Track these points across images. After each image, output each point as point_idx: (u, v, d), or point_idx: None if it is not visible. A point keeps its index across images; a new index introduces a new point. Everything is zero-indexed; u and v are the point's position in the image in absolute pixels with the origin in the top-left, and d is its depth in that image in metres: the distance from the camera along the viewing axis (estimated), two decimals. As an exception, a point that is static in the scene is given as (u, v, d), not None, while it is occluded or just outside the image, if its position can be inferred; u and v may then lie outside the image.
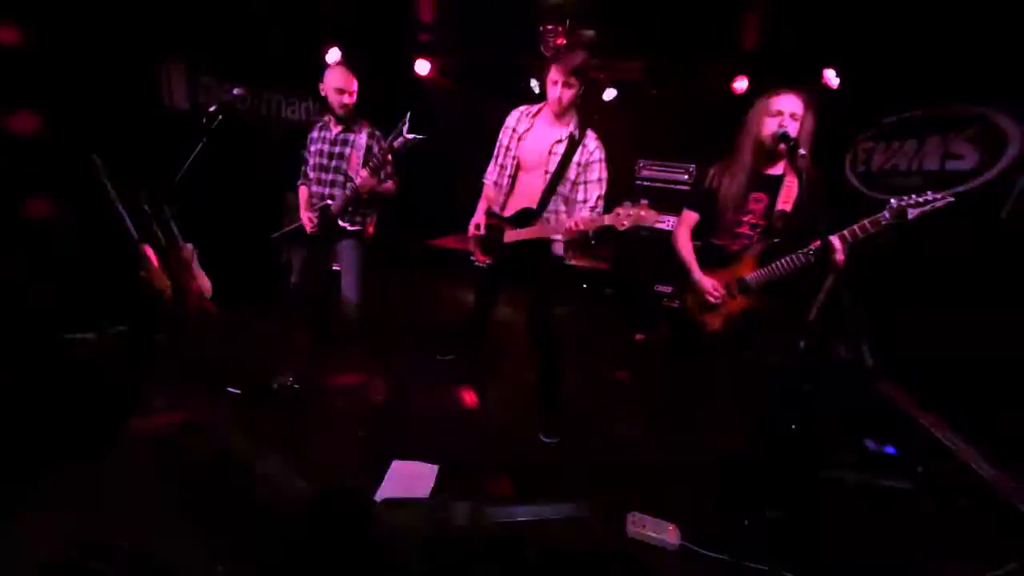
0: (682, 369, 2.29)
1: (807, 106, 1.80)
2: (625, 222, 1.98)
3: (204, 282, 3.44)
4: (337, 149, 2.37)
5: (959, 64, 3.20)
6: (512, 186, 2.31)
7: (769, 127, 1.81)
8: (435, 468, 2.09)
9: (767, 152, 1.86)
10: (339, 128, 2.38)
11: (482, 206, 2.42)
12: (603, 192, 2.19)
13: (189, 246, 3.38)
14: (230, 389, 2.54)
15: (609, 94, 5.74)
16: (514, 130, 2.27)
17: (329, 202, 2.36)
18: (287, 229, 2.52)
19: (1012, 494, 2.20)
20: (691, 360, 2.26)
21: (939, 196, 1.58)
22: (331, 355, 2.91)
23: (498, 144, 2.35)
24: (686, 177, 4.74)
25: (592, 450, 2.39)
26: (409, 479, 2.04)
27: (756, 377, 2.06)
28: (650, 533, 1.85)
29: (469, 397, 2.74)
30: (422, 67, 5.53)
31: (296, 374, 2.66)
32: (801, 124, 1.79)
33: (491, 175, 2.40)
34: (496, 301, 2.64)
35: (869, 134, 3.81)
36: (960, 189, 3.00)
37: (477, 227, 2.37)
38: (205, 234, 3.45)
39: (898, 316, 3.13)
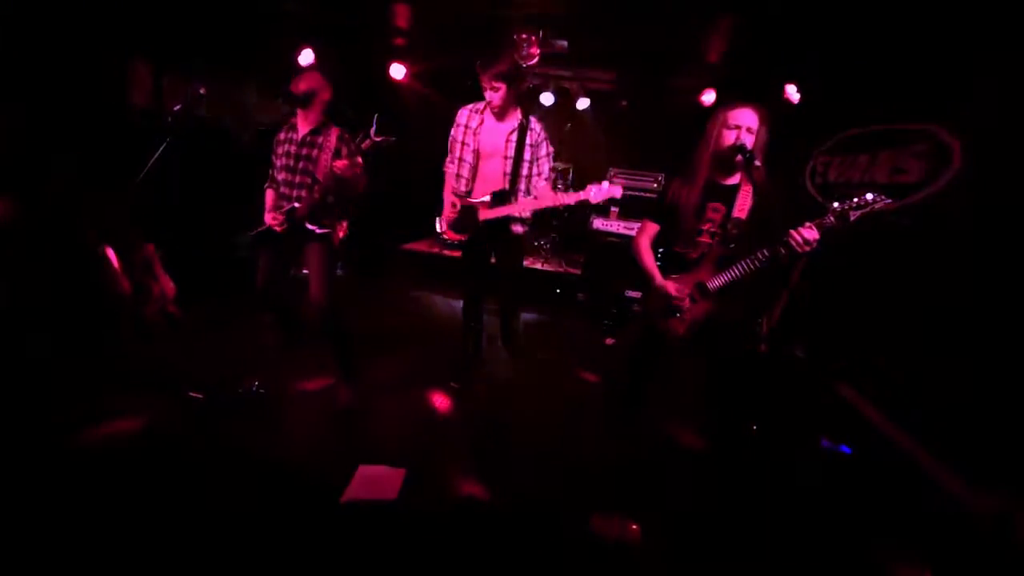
0: (649, 373, 2.33)
1: (762, 120, 1.88)
2: (600, 197, 2.39)
3: (167, 284, 3.36)
4: (304, 151, 2.36)
5: (911, 83, 3.38)
6: (474, 174, 2.69)
7: (727, 139, 1.89)
8: (402, 472, 2.09)
9: (724, 163, 1.93)
10: (307, 130, 2.37)
11: (448, 191, 2.78)
12: (552, 164, 2.73)
13: (152, 247, 3.31)
14: (192, 395, 2.48)
15: (582, 103, 5.87)
16: (467, 126, 2.66)
17: (296, 204, 2.34)
18: (253, 232, 2.48)
19: (958, 492, 2.32)
20: (657, 365, 2.32)
21: (878, 199, 1.67)
22: (299, 359, 2.88)
23: (452, 140, 2.72)
24: (655, 186, 4.88)
25: (560, 449, 2.43)
26: (376, 483, 2.03)
27: (719, 379, 2.12)
28: (613, 532, 1.89)
29: (440, 401, 2.75)
30: (397, 71, 5.53)
31: (262, 379, 2.62)
32: (756, 137, 1.88)
33: (451, 167, 2.75)
34: (484, 287, 2.92)
35: (826, 148, 3.98)
36: (909, 201, 3.17)
37: (453, 206, 2.70)
38: (169, 235, 3.38)
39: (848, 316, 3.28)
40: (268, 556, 1.65)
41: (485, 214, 2.60)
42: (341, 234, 2.44)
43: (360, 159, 2.32)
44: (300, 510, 1.86)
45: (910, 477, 2.47)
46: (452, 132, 2.70)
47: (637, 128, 5.68)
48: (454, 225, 2.70)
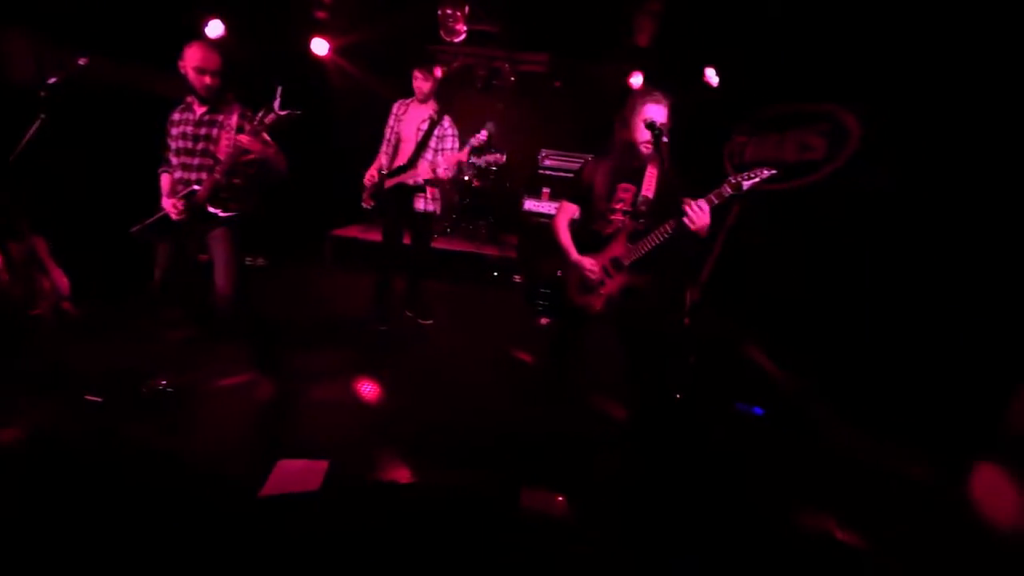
0: (572, 348, 2.38)
1: (670, 111, 1.98)
2: (480, 160, 3.36)
3: (60, 280, 3.06)
4: (203, 131, 2.18)
5: (818, 67, 3.60)
6: (395, 154, 3.26)
7: (640, 125, 1.95)
8: (325, 464, 2.02)
9: (635, 148, 2.00)
10: (204, 109, 2.19)
11: (372, 168, 3.31)
12: (455, 159, 3.13)
13: (40, 240, 2.98)
14: (89, 398, 2.28)
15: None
16: (395, 115, 3.28)
17: (196, 187, 2.17)
18: (149, 220, 2.27)
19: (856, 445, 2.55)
20: (579, 340, 2.36)
21: (765, 170, 1.79)
22: (214, 354, 2.71)
23: (386, 127, 3.32)
24: (586, 167, 4.92)
25: (491, 429, 2.44)
26: (297, 476, 1.95)
27: (637, 351, 2.19)
28: (540, 505, 1.92)
29: (367, 388, 2.68)
30: (319, 47, 5.23)
31: (171, 377, 2.44)
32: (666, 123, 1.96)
33: (383, 148, 3.34)
34: (401, 234, 3.42)
35: (743, 129, 4.19)
36: (814, 177, 3.40)
37: (372, 178, 3.27)
38: (60, 226, 3.06)
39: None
40: (171, 557, 1.55)
41: (389, 182, 3.21)
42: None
43: (267, 136, 2.18)
44: (211, 509, 1.75)
45: (813, 432, 2.68)
46: (388, 120, 3.30)
47: (569, 110, 5.72)
48: (370, 192, 3.30)
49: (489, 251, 5.14)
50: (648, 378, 2.19)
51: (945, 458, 2.28)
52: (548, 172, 4.95)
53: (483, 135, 3.07)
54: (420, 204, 3.23)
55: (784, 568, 1.82)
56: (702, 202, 1.80)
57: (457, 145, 3.17)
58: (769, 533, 1.96)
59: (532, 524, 1.86)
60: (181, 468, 1.94)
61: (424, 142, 3.12)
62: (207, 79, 2.13)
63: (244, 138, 2.07)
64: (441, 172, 3.02)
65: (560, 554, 1.73)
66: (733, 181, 1.80)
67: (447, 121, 3.16)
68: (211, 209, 2.18)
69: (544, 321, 4.08)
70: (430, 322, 3.63)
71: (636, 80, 5.23)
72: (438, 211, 3.34)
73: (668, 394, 2.79)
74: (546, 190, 4.79)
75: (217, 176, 2.12)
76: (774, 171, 1.81)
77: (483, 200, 5.33)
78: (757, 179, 1.79)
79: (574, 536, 1.82)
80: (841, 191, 3.19)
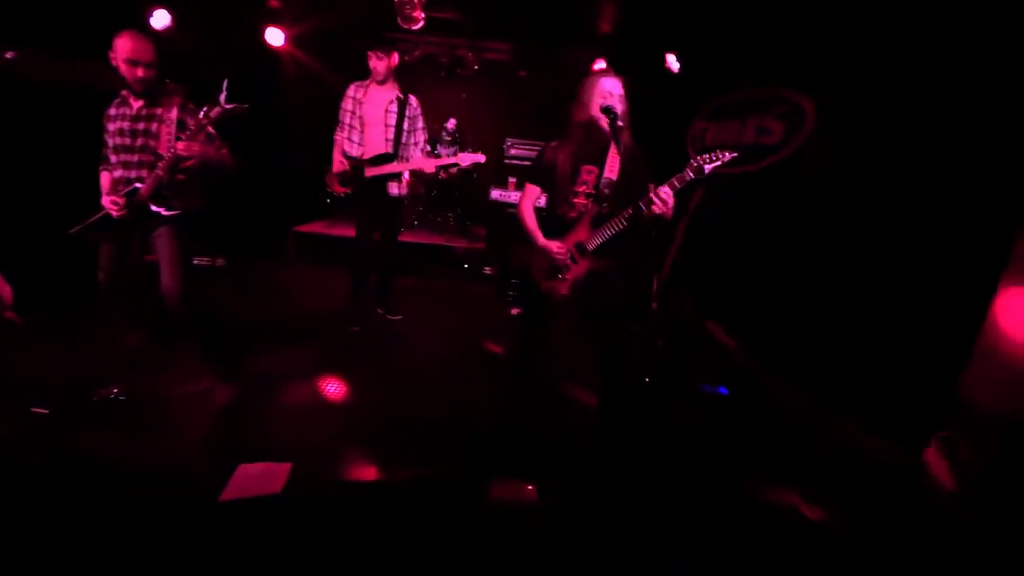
0: (541, 335, 2.37)
1: (625, 88, 1.98)
2: (466, 162, 3.04)
3: (2, 289, 2.89)
4: (141, 126, 2.07)
5: (776, 51, 3.65)
6: (363, 139, 3.12)
7: (596, 104, 1.94)
8: (288, 466, 1.97)
9: (595, 128, 1.98)
10: (141, 103, 2.08)
11: (338, 154, 3.17)
12: (427, 136, 3.23)
13: (-25, 246, 2.81)
14: (35, 410, 2.16)
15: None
16: (354, 98, 3.11)
17: (138, 185, 2.06)
18: (89, 220, 2.15)
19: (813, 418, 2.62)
20: (547, 327, 2.36)
21: (726, 152, 1.82)
22: (170, 358, 2.61)
23: (342, 111, 3.16)
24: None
25: (461, 421, 2.42)
26: (258, 480, 1.90)
27: (603, 336, 2.19)
28: (509, 495, 1.92)
29: (331, 387, 2.62)
30: (274, 37, 5.05)
31: (123, 384, 2.34)
32: (622, 103, 1.96)
33: (341, 135, 3.18)
34: (374, 230, 3.29)
35: (703, 115, 4.23)
36: (773, 159, 3.46)
37: (342, 163, 3.12)
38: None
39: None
40: (129, 569, 1.49)
41: (370, 172, 3.05)
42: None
43: (212, 130, 2.08)
44: (168, 518, 1.69)
45: (774, 409, 2.75)
46: (342, 104, 3.14)
47: (534, 98, 5.67)
48: (341, 179, 3.13)
49: (458, 243, 5.09)
50: (614, 362, 2.20)
51: (905, 431, 2.36)
52: (514, 162, 4.92)
53: (451, 124, 3.15)
54: (394, 190, 3.14)
55: (753, 544, 1.86)
56: (666, 187, 1.81)
57: (425, 124, 3.18)
58: (737, 511, 2.00)
59: (502, 515, 1.85)
60: (136, 478, 1.86)
61: (399, 125, 3.03)
62: (139, 71, 2.01)
63: (181, 145, 1.97)
64: (424, 163, 3.08)
65: (529, 543, 1.73)
66: (695, 164, 1.82)
67: (415, 101, 3.09)
68: (154, 207, 2.08)
69: (515, 311, 4.08)
70: (399, 317, 3.57)
71: (599, 67, 5.22)
72: (405, 197, 3.29)
73: (637, 378, 2.83)
74: (512, 179, 4.76)
75: (159, 173, 2.02)
76: (735, 153, 1.83)
77: (450, 192, 5.26)
78: (719, 162, 1.81)
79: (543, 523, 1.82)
80: (797, 173, 3.26)
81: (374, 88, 3.08)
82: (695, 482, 2.12)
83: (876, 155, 2.75)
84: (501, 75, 5.81)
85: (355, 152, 3.11)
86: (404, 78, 3.19)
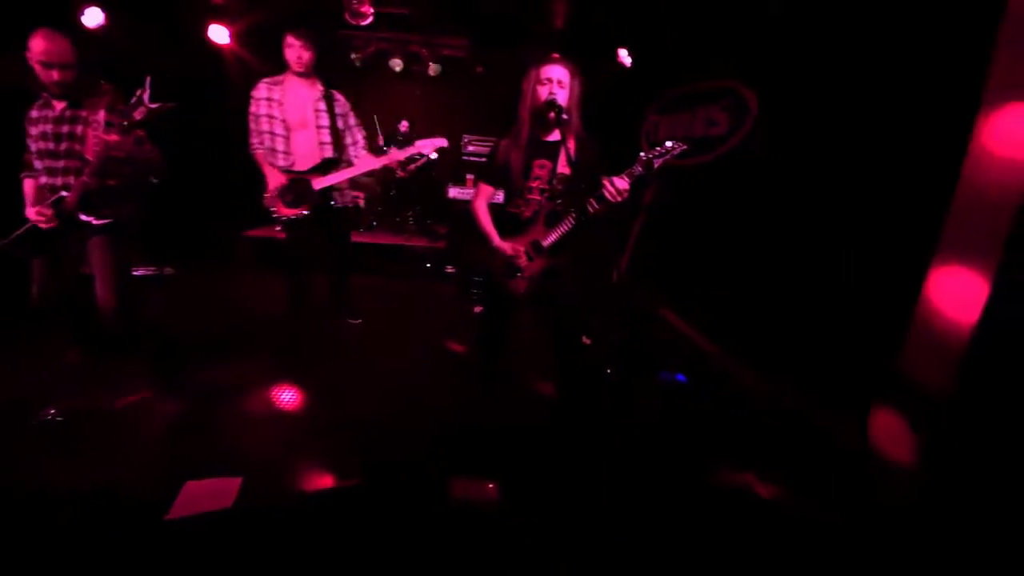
0: (501, 334, 2.36)
1: (573, 75, 1.93)
2: (429, 148, 2.63)
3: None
4: (65, 129, 1.95)
5: (722, 44, 3.73)
6: (289, 147, 2.65)
7: (541, 95, 1.92)
8: (238, 480, 1.89)
9: (543, 119, 1.96)
10: (64, 104, 1.96)
11: (269, 169, 2.67)
12: (365, 134, 2.85)
13: None
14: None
15: (433, 69, 5.67)
16: (269, 99, 2.61)
17: (64, 193, 1.94)
18: (15, 234, 2.01)
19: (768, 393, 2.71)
20: (508, 325, 2.35)
21: (676, 146, 1.81)
22: (111, 374, 2.47)
23: (252, 116, 2.65)
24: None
25: (423, 421, 2.39)
26: (207, 496, 1.82)
27: (562, 333, 2.20)
28: (471, 494, 1.90)
29: (286, 396, 2.54)
30: (219, 34, 4.85)
31: (61, 404, 2.20)
32: (569, 91, 1.92)
33: (258, 144, 2.67)
34: (311, 264, 2.93)
35: (655, 108, 4.30)
36: (721, 150, 3.55)
37: (279, 180, 2.63)
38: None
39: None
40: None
41: (320, 183, 2.61)
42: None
43: (142, 132, 1.97)
44: (113, 541, 1.60)
45: (731, 392, 2.83)
46: (251, 109, 2.62)
47: (492, 95, 5.64)
48: (289, 201, 2.64)
49: (418, 242, 5.02)
50: (572, 357, 2.21)
51: (854, 406, 2.46)
52: (472, 159, 4.89)
53: (404, 125, 2.94)
54: (338, 200, 2.80)
55: (709, 522, 1.91)
56: (618, 181, 1.80)
57: (359, 120, 2.82)
58: (694, 492, 2.05)
59: (463, 514, 1.84)
60: (72, 503, 1.76)
61: (334, 125, 2.65)
62: (55, 74, 1.89)
63: (113, 137, 1.85)
64: (381, 161, 2.68)
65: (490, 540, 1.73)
66: (644, 159, 1.81)
67: (341, 97, 2.75)
68: (83, 216, 1.96)
69: (478, 309, 4.07)
70: (359, 321, 3.46)
71: (542, 55, 5.21)
72: (361, 201, 3.12)
73: (597, 370, 2.85)
74: (470, 177, 4.73)
75: (85, 179, 1.90)
76: (684, 147, 1.82)
77: (409, 190, 5.18)
78: (668, 156, 1.81)
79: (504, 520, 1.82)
80: (741, 163, 3.36)
81: (294, 84, 2.63)
82: (654, 468, 2.16)
83: (818, 143, 2.85)
84: (457, 71, 5.75)
85: (282, 163, 2.66)
86: (357, 77, 3.01)
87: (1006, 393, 1.90)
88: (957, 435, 1.95)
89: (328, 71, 2.95)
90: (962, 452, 1.94)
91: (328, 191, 2.67)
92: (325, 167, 2.65)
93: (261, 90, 2.62)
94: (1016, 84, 1.95)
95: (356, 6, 3.69)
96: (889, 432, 2.31)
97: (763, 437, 2.48)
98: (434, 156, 2.68)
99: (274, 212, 2.66)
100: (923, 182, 2.36)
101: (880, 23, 2.58)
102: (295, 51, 2.54)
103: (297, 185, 2.60)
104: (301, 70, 2.57)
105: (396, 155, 2.63)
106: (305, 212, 2.65)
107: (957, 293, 2.11)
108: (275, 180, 2.61)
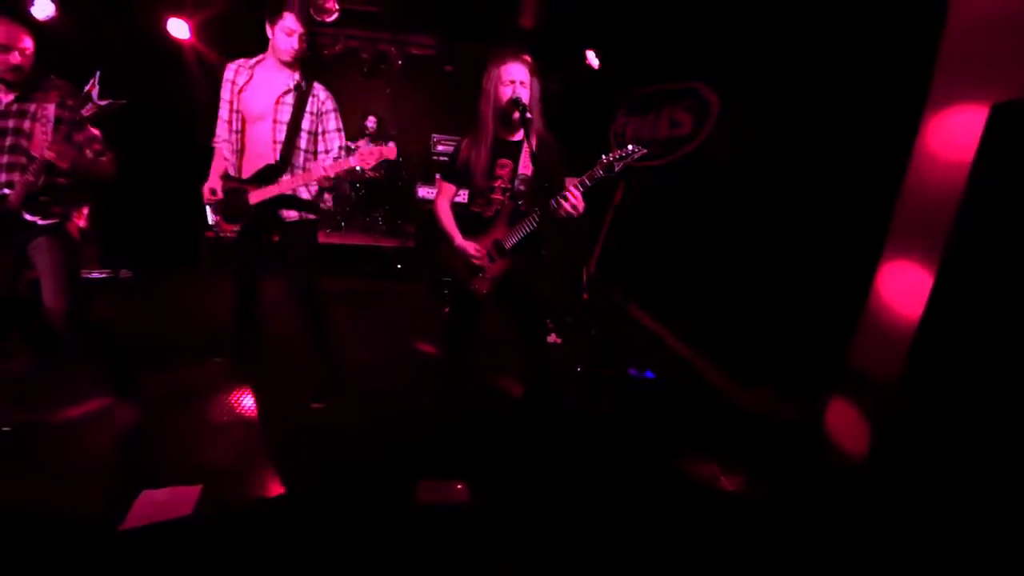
0: (467, 333, 2.36)
1: (532, 73, 1.94)
2: (371, 160, 2.11)
3: None
4: (11, 123, 1.85)
5: (686, 46, 3.81)
6: (243, 143, 2.22)
7: (504, 95, 1.92)
8: (197, 488, 1.84)
9: (506, 119, 1.97)
10: (11, 96, 1.86)
11: (216, 170, 2.27)
12: (344, 143, 2.30)
13: None
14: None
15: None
16: (233, 83, 2.20)
17: (7, 191, 1.85)
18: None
19: (727, 389, 2.78)
20: (474, 324, 2.35)
21: (636, 150, 1.82)
22: (55, 382, 2.37)
23: (222, 103, 2.23)
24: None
25: (391, 424, 2.37)
26: (164, 505, 1.77)
27: (528, 331, 2.21)
28: (439, 496, 1.90)
29: (244, 400, 2.48)
30: (178, 29, 4.68)
31: (8, 414, 2.10)
32: (530, 90, 1.93)
33: (221, 136, 2.27)
34: (256, 280, 2.48)
35: (623, 109, 4.37)
36: (684, 151, 3.64)
37: (213, 192, 2.20)
38: None
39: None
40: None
41: (256, 196, 2.15)
42: (80, 223, 1.99)
43: (96, 130, 1.90)
44: (66, 556, 1.54)
45: (694, 385, 2.90)
46: (221, 93, 2.22)
47: (460, 93, 5.63)
48: (224, 213, 2.24)
49: (388, 243, 4.98)
50: (538, 355, 2.22)
51: (812, 398, 2.55)
52: (442, 158, 4.87)
53: (372, 121, 2.52)
54: (292, 212, 2.25)
55: (676, 515, 1.95)
56: (576, 186, 1.81)
57: (341, 125, 2.29)
58: (661, 487, 2.10)
59: (430, 517, 1.83)
60: (17, 517, 1.68)
61: (294, 123, 2.16)
62: (12, 58, 1.81)
63: (51, 154, 1.78)
64: (319, 173, 2.12)
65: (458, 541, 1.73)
66: (605, 162, 1.82)
67: (323, 93, 2.23)
68: (28, 216, 1.87)
69: (447, 309, 4.05)
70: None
71: (502, 53, 5.24)
72: (329, 205, 2.63)
73: (566, 369, 2.88)
74: (439, 176, 4.72)
75: (30, 177, 1.82)
76: (644, 150, 1.84)
77: (377, 190, 5.12)
78: (628, 159, 1.82)
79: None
80: (703, 162, 3.45)
81: (268, 68, 2.17)
82: (621, 464, 2.20)
83: (775, 144, 2.95)
84: (426, 70, 5.72)
85: (234, 162, 2.23)
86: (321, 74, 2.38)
87: (947, 382, 2.00)
88: (903, 423, 2.04)
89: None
90: (908, 439, 2.03)
91: (269, 206, 2.18)
92: (265, 175, 2.16)
93: (229, 72, 2.21)
94: (956, 91, 2.07)
95: (321, 2, 3.63)
96: (843, 421, 2.41)
97: (729, 430, 2.55)
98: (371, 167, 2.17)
99: (215, 224, 2.42)
100: (873, 181, 2.46)
101: (833, 34, 2.69)
102: (292, 40, 2.10)
103: (235, 195, 2.18)
104: (286, 57, 2.12)
105: (331, 168, 2.11)
106: (234, 231, 2.27)
107: (904, 287, 2.21)
108: (207, 188, 2.21)
